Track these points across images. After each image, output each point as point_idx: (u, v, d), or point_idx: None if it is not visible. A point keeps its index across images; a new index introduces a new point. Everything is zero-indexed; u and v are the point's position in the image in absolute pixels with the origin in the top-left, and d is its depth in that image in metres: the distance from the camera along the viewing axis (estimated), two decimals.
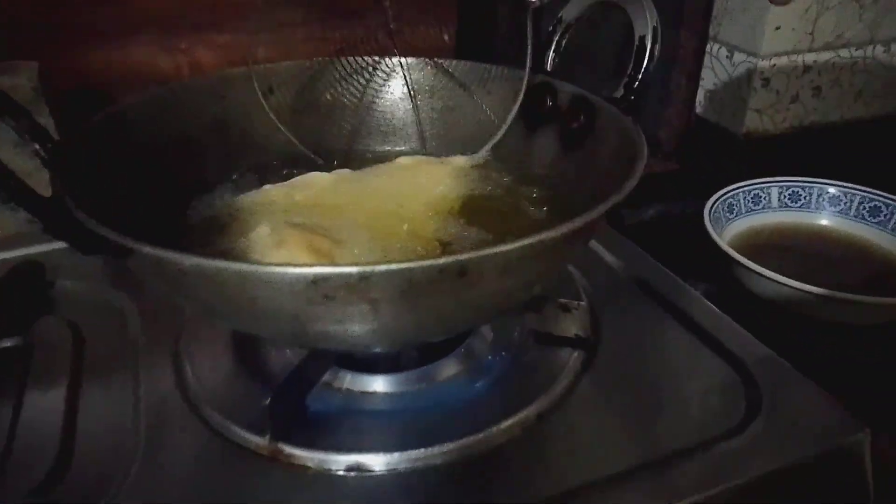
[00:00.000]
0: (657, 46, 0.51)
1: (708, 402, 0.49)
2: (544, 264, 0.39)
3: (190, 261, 0.32)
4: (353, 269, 0.32)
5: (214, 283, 0.34)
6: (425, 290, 0.34)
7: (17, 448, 0.46)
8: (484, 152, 0.61)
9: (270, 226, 0.47)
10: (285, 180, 0.57)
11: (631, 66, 0.51)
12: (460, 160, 0.60)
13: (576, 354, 0.52)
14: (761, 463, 0.44)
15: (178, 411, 0.49)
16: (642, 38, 0.51)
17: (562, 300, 0.52)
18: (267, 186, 0.55)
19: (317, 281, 0.32)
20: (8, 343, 0.55)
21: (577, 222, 0.36)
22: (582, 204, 0.38)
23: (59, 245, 0.64)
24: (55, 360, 0.54)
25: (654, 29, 0.51)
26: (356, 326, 0.37)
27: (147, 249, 0.33)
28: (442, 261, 0.33)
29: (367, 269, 0.32)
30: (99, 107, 0.67)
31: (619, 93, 0.52)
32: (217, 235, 0.51)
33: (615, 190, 0.39)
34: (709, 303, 0.58)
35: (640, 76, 0.51)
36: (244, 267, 0.32)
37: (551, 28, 0.59)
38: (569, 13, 0.58)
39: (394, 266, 0.32)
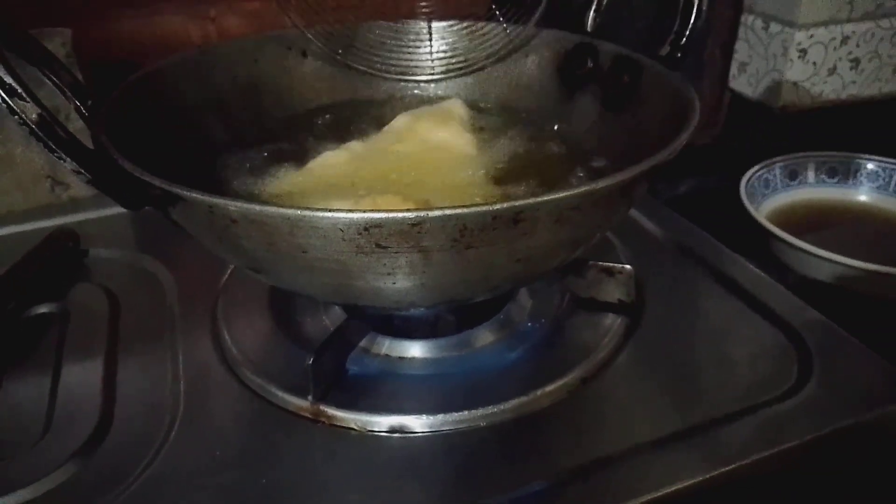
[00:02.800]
0: (705, 1, 0.49)
1: (757, 366, 0.47)
2: (595, 217, 0.38)
3: (240, 206, 0.32)
4: (408, 214, 0.31)
5: (264, 231, 0.33)
6: (478, 239, 0.33)
7: (58, 411, 0.46)
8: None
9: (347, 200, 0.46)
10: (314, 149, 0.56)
11: (678, 22, 0.50)
12: (456, 106, 0.59)
13: (619, 320, 0.51)
14: (815, 425, 0.42)
15: (217, 375, 0.48)
16: None
17: (605, 264, 0.51)
18: (288, 172, 0.53)
19: (369, 227, 0.32)
20: (45, 309, 0.56)
21: (634, 170, 0.35)
22: (629, 162, 0.37)
23: (93, 214, 0.67)
24: (92, 327, 0.54)
25: None
26: (404, 279, 0.36)
27: (196, 195, 0.32)
28: (497, 206, 0.32)
29: (422, 213, 0.31)
30: (128, 77, 0.67)
31: (665, 50, 0.51)
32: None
33: (671, 139, 0.37)
34: (755, 268, 0.56)
35: (687, 32, 0.50)
36: (296, 212, 0.32)
37: None
38: None
39: (448, 211, 0.31)
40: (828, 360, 0.47)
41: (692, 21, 0.49)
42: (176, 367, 0.49)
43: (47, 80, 0.44)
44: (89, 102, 0.43)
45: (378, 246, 0.33)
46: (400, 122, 0.57)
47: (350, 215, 0.31)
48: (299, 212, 0.32)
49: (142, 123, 0.46)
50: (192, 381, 0.48)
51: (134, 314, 0.55)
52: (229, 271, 0.57)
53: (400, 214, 0.31)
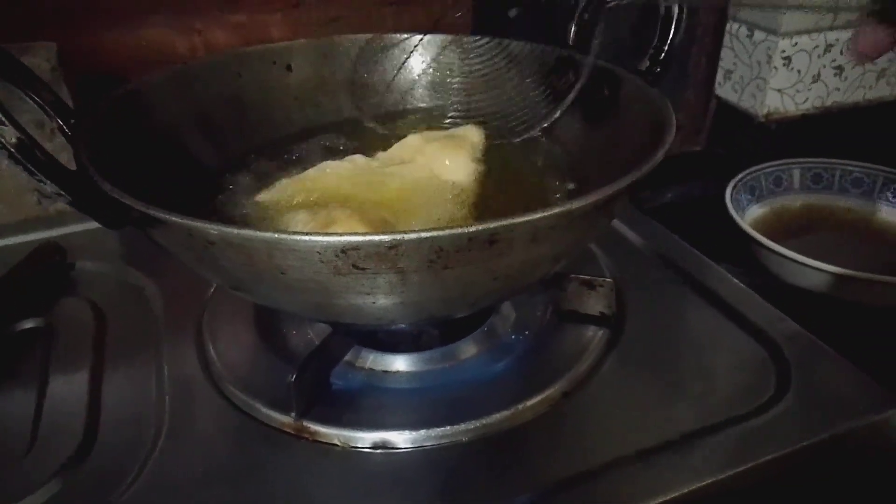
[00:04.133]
0: (684, 16, 0.50)
1: (736, 378, 0.48)
2: (573, 234, 0.38)
3: (218, 230, 0.32)
4: (385, 237, 0.31)
5: (243, 253, 0.33)
6: (454, 260, 0.34)
7: (43, 427, 0.46)
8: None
9: (308, 212, 0.47)
10: (300, 163, 0.56)
11: (657, 36, 0.50)
12: (473, 134, 0.59)
13: (601, 332, 0.51)
14: (792, 439, 0.43)
15: (201, 390, 0.49)
16: (668, 9, 0.50)
17: (585, 277, 0.51)
18: (284, 181, 0.53)
19: (346, 250, 0.32)
20: (30, 324, 0.56)
21: (608, 190, 0.35)
22: (608, 176, 0.37)
23: (79, 227, 0.67)
24: (78, 341, 0.54)
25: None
26: (383, 298, 0.36)
27: (175, 219, 0.32)
28: (472, 228, 0.32)
29: (398, 236, 0.31)
30: (115, 89, 0.67)
31: (645, 65, 0.51)
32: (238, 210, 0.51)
33: (645, 159, 0.38)
34: (735, 279, 0.57)
35: (666, 47, 0.50)
36: (274, 236, 0.32)
37: (573, 1, 0.58)
38: None
39: (424, 234, 0.32)
40: (806, 372, 0.47)
41: (671, 36, 0.50)
42: (161, 382, 0.49)
43: (28, 100, 0.44)
44: (72, 121, 0.43)
45: (355, 267, 0.33)
46: (410, 141, 0.57)
47: (327, 238, 0.32)
48: (276, 235, 0.32)
49: (124, 141, 0.46)
50: (177, 396, 0.48)
51: (120, 328, 0.55)
52: (215, 285, 0.58)
53: (377, 237, 0.32)
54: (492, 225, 0.32)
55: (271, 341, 0.52)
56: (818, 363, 0.48)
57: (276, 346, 0.52)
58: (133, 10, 0.69)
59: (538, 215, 0.33)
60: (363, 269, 0.33)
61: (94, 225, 0.65)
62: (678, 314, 0.55)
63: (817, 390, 0.46)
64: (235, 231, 0.32)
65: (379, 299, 0.37)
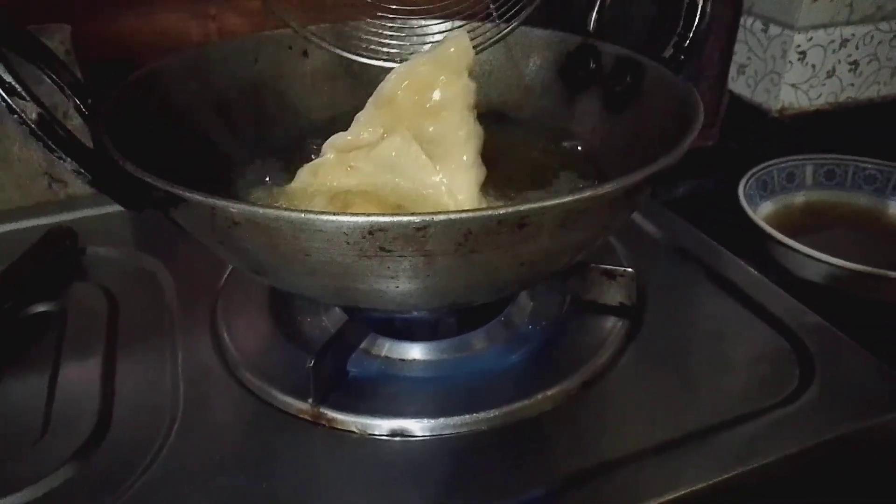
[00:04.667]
0: (709, 3, 0.49)
1: (759, 370, 0.47)
2: (601, 221, 0.38)
3: (243, 209, 0.31)
4: (414, 218, 0.31)
5: (267, 233, 0.33)
6: (482, 243, 0.33)
7: (55, 412, 0.46)
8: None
9: (324, 197, 0.46)
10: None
11: (681, 24, 0.50)
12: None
13: (620, 323, 0.50)
14: (817, 431, 0.42)
15: (216, 377, 0.48)
16: None
17: (605, 267, 0.51)
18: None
19: (374, 231, 0.31)
20: (42, 308, 0.55)
21: (639, 175, 0.34)
22: (632, 164, 0.37)
23: (90, 212, 0.66)
24: (90, 326, 0.53)
25: None
26: (407, 283, 0.36)
27: (198, 198, 0.32)
28: (503, 211, 0.32)
29: (427, 218, 0.31)
30: (128, 74, 0.67)
31: (669, 52, 0.50)
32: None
33: (674, 144, 0.37)
34: (755, 271, 0.56)
35: (691, 35, 0.49)
36: (300, 216, 0.31)
37: None
38: None
39: (454, 216, 0.31)
40: (829, 364, 0.47)
41: (696, 24, 0.49)
42: (175, 368, 0.49)
43: (46, 78, 0.44)
44: (89, 101, 0.43)
45: (382, 249, 0.33)
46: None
47: (354, 219, 0.31)
48: (303, 215, 0.31)
49: (142, 123, 0.46)
50: (192, 383, 0.48)
51: (132, 314, 0.55)
52: (229, 271, 0.57)
53: (405, 218, 0.31)
54: (522, 207, 0.32)
55: (286, 328, 0.52)
56: (842, 356, 0.48)
57: (290, 332, 0.51)
58: None
59: (568, 199, 0.33)
60: (390, 251, 0.33)
61: (105, 209, 0.66)
62: (698, 305, 0.54)
63: (842, 383, 0.45)
64: (261, 210, 0.32)
65: (403, 283, 0.36)
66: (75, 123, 0.52)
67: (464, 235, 0.32)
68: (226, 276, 0.57)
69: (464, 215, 0.31)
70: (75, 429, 0.44)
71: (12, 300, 0.54)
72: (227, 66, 0.57)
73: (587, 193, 0.33)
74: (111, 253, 0.62)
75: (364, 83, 0.62)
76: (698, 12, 0.49)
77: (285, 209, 0.32)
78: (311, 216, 0.31)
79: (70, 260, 0.60)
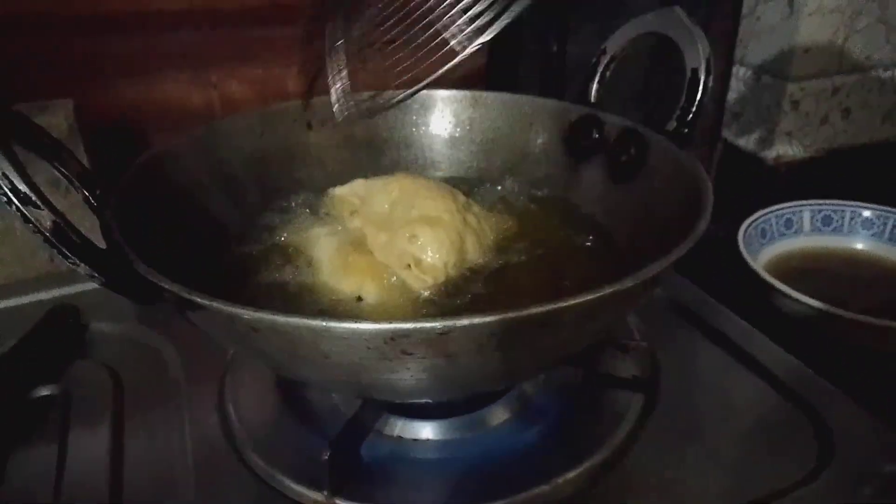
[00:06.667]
0: (710, 78, 0.50)
1: (776, 446, 0.47)
2: (623, 306, 0.38)
3: (264, 317, 0.31)
4: (436, 324, 0.30)
5: (286, 339, 0.32)
6: (505, 342, 0.33)
7: (64, 498, 0.45)
8: None
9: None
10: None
11: (684, 98, 0.50)
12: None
13: (636, 397, 0.50)
14: None
15: (225, 460, 0.47)
16: (695, 70, 0.50)
17: (620, 340, 0.50)
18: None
19: (396, 337, 0.31)
20: (45, 391, 0.54)
21: (663, 264, 0.34)
22: (639, 237, 0.37)
23: (92, 286, 0.64)
24: (95, 408, 0.52)
25: (707, 60, 0.50)
26: (427, 379, 0.35)
27: (219, 305, 0.31)
28: (526, 312, 0.31)
29: (450, 323, 0.31)
30: (132, 143, 0.67)
31: (672, 125, 0.51)
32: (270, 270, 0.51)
33: (691, 226, 0.38)
34: (767, 338, 0.56)
35: (693, 108, 0.50)
36: (320, 323, 0.31)
37: (595, 59, 0.58)
38: (613, 44, 0.57)
39: (476, 320, 0.31)
40: (848, 439, 0.46)
41: (699, 97, 0.50)
42: (184, 453, 0.48)
43: (54, 170, 0.43)
44: (97, 192, 0.42)
45: (403, 353, 0.32)
46: None
47: (375, 326, 0.31)
48: (323, 323, 0.31)
49: (149, 209, 0.46)
50: (201, 466, 0.46)
51: (138, 393, 0.54)
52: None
53: (428, 325, 0.31)
54: (547, 308, 0.32)
55: (295, 406, 0.51)
56: (860, 430, 0.47)
57: (300, 411, 0.51)
58: (149, 65, 0.69)
59: (592, 296, 0.32)
60: (411, 353, 0.32)
61: None
62: (710, 374, 0.54)
63: (861, 459, 0.45)
64: (282, 319, 0.31)
65: (423, 381, 0.36)
66: (75, 199, 0.52)
67: (487, 338, 0.32)
68: (232, 351, 0.56)
69: (487, 319, 0.31)
70: None
71: (16, 384, 0.53)
72: (233, 141, 0.57)
73: (609, 290, 0.33)
74: (114, 329, 0.61)
75: (368, 153, 0.62)
76: (700, 86, 0.49)
77: (305, 317, 0.31)
78: (332, 324, 0.31)
79: (73, 338, 0.59)
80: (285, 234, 0.54)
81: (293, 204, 0.58)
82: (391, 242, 0.50)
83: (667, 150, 0.50)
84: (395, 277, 0.48)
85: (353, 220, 0.54)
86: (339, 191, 0.57)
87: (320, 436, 0.47)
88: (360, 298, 0.48)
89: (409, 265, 0.48)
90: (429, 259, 0.48)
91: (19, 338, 0.55)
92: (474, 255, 0.50)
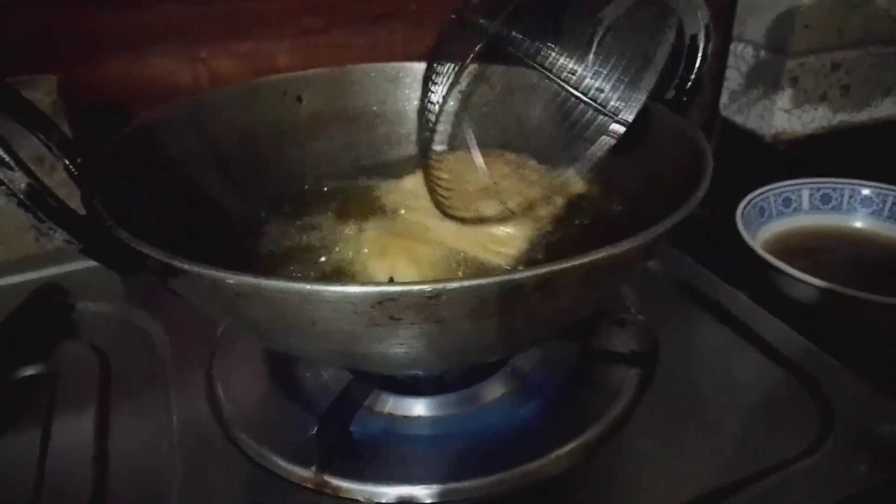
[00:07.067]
0: (710, 45, 0.48)
1: (776, 419, 0.46)
2: (619, 274, 0.36)
3: (248, 281, 0.30)
4: (425, 287, 0.29)
5: (272, 304, 0.31)
6: (498, 307, 0.32)
7: (48, 482, 0.44)
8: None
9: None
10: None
11: (682, 66, 0.49)
12: None
13: (633, 371, 0.49)
14: (842, 485, 0.41)
15: (214, 439, 0.46)
16: (694, 38, 0.49)
17: (617, 315, 0.49)
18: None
19: (383, 301, 0.30)
20: (31, 371, 0.53)
21: (659, 229, 0.33)
22: (642, 207, 0.36)
23: (79, 265, 0.64)
24: (81, 388, 0.51)
25: (707, 27, 0.48)
26: (418, 347, 0.34)
27: (200, 269, 0.30)
28: (519, 275, 0.30)
29: (439, 286, 0.29)
30: (117, 121, 0.65)
31: (671, 94, 0.50)
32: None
33: (689, 194, 0.36)
34: (766, 311, 0.55)
35: (692, 76, 0.49)
36: (305, 287, 0.30)
37: (592, 29, 0.56)
38: (610, 13, 0.55)
39: (467, 283, 0.30)
40: (848, 411, 0.45)
41: (697, 65, 0.48)
42: (171, 433, 0.47)
43: (33, 136, 0.42)
44: (78, 160, 0.41)
45: (392, 318, 0.31)
46: None
47: (363, 289, 0.30)
48: (308, 286, 0.30)
49: (134, 180, 0.44)
50: (189, 448, 0.45)
51: (125, 373, 0.53)
52: (224, 325, 0.55)
53: (416, 287, 0.30)
54: (540, 271, 0.30)
55: (284, 383, 0.50)
56: (860, 402, 0.46)
57: (290, 389, 0.50)
58: (135, 40, 0.67)
59: (588, 259, 0.31)
60: (399, 319, 0.31)
61: (94, 263, 0.64)
62: (710, 349, 0.53)
63: (862, 431, 0.44)
64: (265, 282, 0.30)
65: (413, 349, 0.34)
66: (62, 177, 0.50)
67: (479, 302, 0.31)
68: (221, 329, 0.55)
69: (478, 282, 0.30)
70: (69, 497, 0.42)
71: (1, 363, 0.51)
72: (222, 113, 0.55)
73: (604, 253, 0.32)
74: (101, 308, 0.60)
75: (360, 126, 0.61)
76: (699, 54, 0.48)
77: (289, 280, 0.30)
78: (318, 287, 0.30)
79: (59, 318, 0.58)
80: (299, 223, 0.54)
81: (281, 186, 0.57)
82: (462, 227, 0.49)
83: (667, 118, 0.49)
84: (438, 254, 0.48)
85: (407, 214, 0.54)
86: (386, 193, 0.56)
87: (310, 413, 0.46)
88: (391, 280, 0.47)
89: (485, 245, 0.48)
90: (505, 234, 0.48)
91: (4, 317, 0.54)
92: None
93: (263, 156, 0.57)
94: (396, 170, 0.58)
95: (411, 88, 0.62)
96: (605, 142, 0.47)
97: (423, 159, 0.54)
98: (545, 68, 0.52)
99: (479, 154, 0.51)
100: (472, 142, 0.51)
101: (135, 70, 0.68)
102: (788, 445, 0.44)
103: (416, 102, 0.61)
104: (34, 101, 0.48)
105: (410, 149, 0.60)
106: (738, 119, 0.96)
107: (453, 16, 0.52)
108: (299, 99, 0.59)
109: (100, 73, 0.67)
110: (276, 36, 0.70)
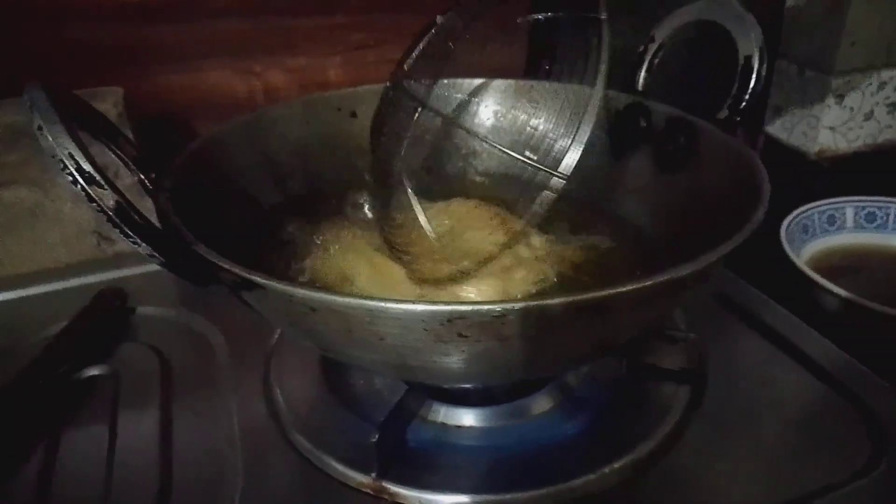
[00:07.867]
0: (764, 66, 0.49)
1: (826, 440, 0.46)
2: (677, 297, 0.37)
3: (322, 297, 0.31)
4: (494, 307, 0.30)
5: (343, 319, 0.33)
6: (559, 327, 0.33)
7: (115, 479, 0.46)
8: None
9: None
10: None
11: (736, 86, 0.50)
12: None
13: (683, 389, 0.49)
14: None
15: (273, 441, 0.48)
16: (748, 58, 0.49)
17: (667, 331, 0.50)
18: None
19: (453, 319, 0.31)
20: (95, 371, 0.55)
21: (721, 251, 0.34)
22: (693, 231, 0.36)
23: (138, 270, 0.66)
24: (144, 388, 0.53)
25: (761, 49, 0.49)
26: (479, 363, 0.35)
27: (276, 285, 0.32)
28: (582, 297, 0.31)
29: (507, 305, 0.31)
30: (174, 131, 0.68)
31: (724, 114, 0.50)
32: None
33: (749, 214, 0.37)
34: (815, 332, 0.55)
35: (746, 97, 0.49)
36: (378, 304, 0.31)
37: (643, 47, 0.57)
38: (662, 31, 0.56)
39: (532, 304, 0.31)
40: None
41: (752, 85, 0.49)
42: (232, 435, 0.48)
43: (109, 152, 0.44)
44: (153, 175, 0.43)
45: (459, 335, 0.32)
46: None
47: (434, 307, 0.31)
48: (382, 304, 0.31)
49: (201, 193, 0.46)
50: (250, 448, 0.47)
51: (184, 376, 0.55)
52: (280, 330, 0.57)
53: (485, 307, 0.31)
54: (602, 293, 0.31)
55: (339, 390, 0.51)
56: None
57: (344, 395, 0.51)
58: (193, 54, 0.70)
59: (649, 282, 0.32)
60: (466, 336, 0.32)
61: (152, 268, 0.66)
62: (757, 367, 0.53)
63: None
64: (340, 299, 0.31)
65: (473, 364, 0.36)
66: (126, 182, 0.52)
67: (543, 322, 0.32)
68: (277, 335, 0.57)
69: (544, 302, 0.31)
70: (137, 497, 0.44)
71: (66, 364, 0.54)
72: (279, 128, 0.57)
73: (664, 277, 0.33)
74: (160, 312, 0.62)
75: (412, 142, 0.62)
76: (754, 74, 0.49)
77: (363, 297, 0.31)
78: (391, 304, 0.31)
79: (120, 320, 0.60)
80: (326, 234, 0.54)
81: (333, 200, 0.58)
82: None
83: (719, 139, 0.49)
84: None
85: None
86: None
87: (365, 419, 0.47)
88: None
89: None
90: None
91: (70, 319, 0.57)
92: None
93: (313, 167, 0.58)
94: (446, 191, 0.59)
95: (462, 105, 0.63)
96: (548, 196, 0.48)
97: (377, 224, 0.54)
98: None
99: (423, 214, 0.51)
100: (415, 201, 0.50)
101: (193, 83, 0.70)
102: (839, 467, 0.44)
103: (468, 117, 0.63)
104: (102, 113, 0.50)
105: (462, 165, 0.62)
106: (782, 136, 0.96)
107: (387, 83, 0.54)
108: (353, 114, 0.60)
109: (159, 86, 0.70)
110: (327, 52, 0.72)
